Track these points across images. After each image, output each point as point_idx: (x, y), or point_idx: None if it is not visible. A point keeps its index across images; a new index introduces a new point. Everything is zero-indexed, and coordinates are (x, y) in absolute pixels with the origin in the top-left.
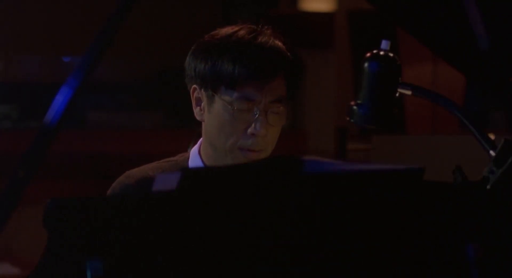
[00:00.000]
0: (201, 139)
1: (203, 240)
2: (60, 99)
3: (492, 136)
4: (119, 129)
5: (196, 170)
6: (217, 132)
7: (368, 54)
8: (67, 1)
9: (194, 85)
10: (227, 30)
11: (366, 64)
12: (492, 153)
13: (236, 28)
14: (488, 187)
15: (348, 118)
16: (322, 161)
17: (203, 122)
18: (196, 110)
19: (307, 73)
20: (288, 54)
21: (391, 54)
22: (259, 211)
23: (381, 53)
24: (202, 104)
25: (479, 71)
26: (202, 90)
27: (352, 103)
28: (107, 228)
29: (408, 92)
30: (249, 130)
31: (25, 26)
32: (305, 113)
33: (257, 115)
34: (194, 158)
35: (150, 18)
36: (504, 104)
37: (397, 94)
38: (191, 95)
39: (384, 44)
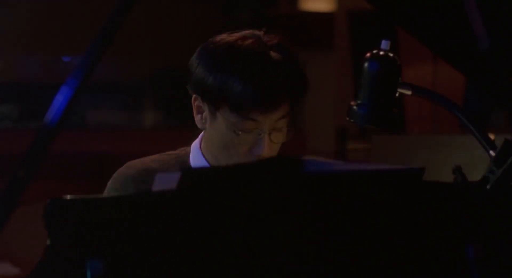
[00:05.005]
0: (202, 132)
1: (203, 239)
2: (60, 99)
3: (492, 137)
4: (119, 129)
5: (197, 170)
6: (220, 149)
7: (368, 54)
8: (67, 1)
9: (195, 95)
10: (231, 38)
11: (366, 64)
12: (492, 153)
13: (239, 36)
14: (488, 187)
15: (348, 118)
16: (322, 161)
17: (204, 130)
18: (197, 118)
19: (307, 73)
20: (298, 75)
21: (391, 54)
22: (259, 211)
23: (381, 53)
24: (204, 114)
25: (479, 71)
26: (205, 102)
27: (352, 103)
28: (107, 228)
29: (408, 92)
30: (254, 151)
31: (25, 26)
32: (305, 113)
33: (261, 136)
34: (195, 153)
35: (150, 18)
36: (504, 104)
37: (397, 94)
38: (192, 103)
39: (384, 44)
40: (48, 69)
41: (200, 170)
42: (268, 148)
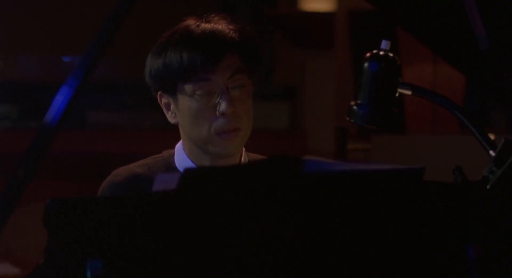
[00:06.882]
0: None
1: (203, 240)
2: (60, 99)
3: (492, 137)
4: (119, 129)
5: (196, 170)
6: (191, 126)
7: (368, 54)
8: (67, 1)
9: (159, 92)
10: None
11: (366, 64)
12: (492, 153)
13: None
14: (488, 187)
15: (348, 118)
16: (322, 161)
17: (178, 125)
18: (168, 115)
19: (307, 73)
20: (232, 32)
21: (391, 54)
22: (258, 211)
23: (381, 53)
24: (171, 107)
25: (479, 71)
26: (167, 94)
27: (352, 103)
28: (107, 228)
29: (408, 92)
30: (220, 110)
31: (25, 26)
32: (305, 113)
33: (220, 95)
34: (179, 153)
35: (150, 18)
36: (504, 104)
37: (397, 94)
38: (160, 103)
39: (384, 44)
40: (48, 69)
41: (200, 170)
42: (231, 104)
